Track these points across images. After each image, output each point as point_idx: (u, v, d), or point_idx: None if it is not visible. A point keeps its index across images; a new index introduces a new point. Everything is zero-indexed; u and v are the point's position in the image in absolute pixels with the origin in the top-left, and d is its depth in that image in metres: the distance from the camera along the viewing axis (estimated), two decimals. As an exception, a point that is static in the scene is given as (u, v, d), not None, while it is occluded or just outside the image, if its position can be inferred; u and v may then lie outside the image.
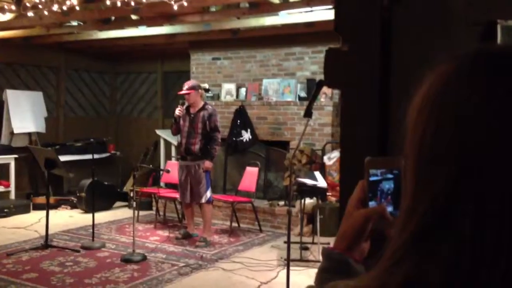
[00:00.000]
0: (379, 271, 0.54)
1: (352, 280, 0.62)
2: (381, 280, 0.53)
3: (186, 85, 5.82)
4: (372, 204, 0.79)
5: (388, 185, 0.79)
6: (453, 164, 0.51)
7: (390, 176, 0.79)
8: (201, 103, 5.83)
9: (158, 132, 8.41)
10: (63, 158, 6.91)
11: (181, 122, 5.83)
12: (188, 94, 5.73)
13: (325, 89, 6.19)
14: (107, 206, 7.83)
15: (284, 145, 7.07)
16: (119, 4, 5.29)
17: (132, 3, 5.28)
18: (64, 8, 5.65)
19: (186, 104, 5.85)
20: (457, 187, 0.51)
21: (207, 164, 5.71)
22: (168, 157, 8.12)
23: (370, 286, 0.55)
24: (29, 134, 8.35)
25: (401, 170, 0.78)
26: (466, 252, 0.49)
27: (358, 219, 0.78)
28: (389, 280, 0.52)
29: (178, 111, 5.80)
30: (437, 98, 0.54)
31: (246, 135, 7.23)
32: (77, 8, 5.66)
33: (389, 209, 0.79)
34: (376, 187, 0.79)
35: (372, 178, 0.79)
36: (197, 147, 5.71)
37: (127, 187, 8.22)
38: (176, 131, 5.94)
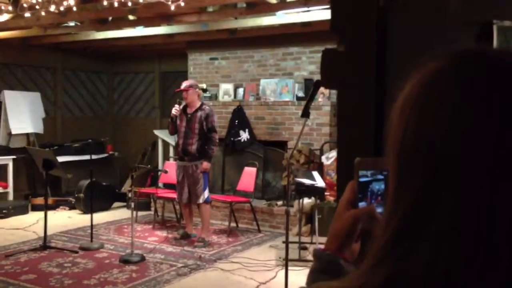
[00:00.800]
0: (362, 271, 0.55)
1: (336, 280, 0.62)
2: (362, 280, 0.54)
3: (184, 84, 5.83)
4: (362, 205, 0.79)
5: (378, 186, 0.79)
6: (431, 164, 0.51)
7: (380, 177, 0.79)
8: (198, 103, 5.83)
9: (156, 132, 8.41)
10: (61, 158, 6.91)
11: (178, 122, 5.83)
12: (186, 91, 5.73)
13: (322, 89, 6.19)
14: (106, 207, 7.82)
15: (282, 145, 7.08)
16: (116, 4, 5.29)
17: (129, 4, 5.27)
18: (61, 8, 5.64)
19: (183, 103, 5.85)
20: (435, 187, 0.51)
21: (205, 165, 5.71)
22: (166, 157, 8.12)
23: (353, 287, 0.55)
24: (27, 135, 8.34)
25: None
26: (443, 251, 0.49)
27: (348, 220, 0.79)
28: (371, 280, 0.53)
29: (174, 110, 5.80)
30: (417, 97, 0.55)
31: (244, 135, 7.23)
32: (74, 8, 5.65)
33: (379, 210, 0.79)
34: (366, 188, 0.79)
35: (362, 179, 0.79)
36: (194, 147, 5.70)
37: (126, 187, 8.21)
38: (173, 131, 5.93)
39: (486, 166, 0.49)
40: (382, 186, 0.79)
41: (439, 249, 0.50)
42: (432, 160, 0.52)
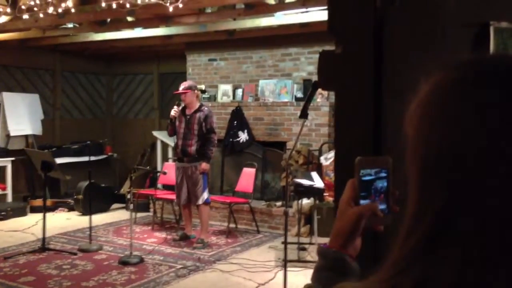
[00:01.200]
0: (387, 275, 0.56)
1: (358, 282, 0.64)
2: (390, 284, 0.55)
3: (183, 85, 5.82)
4: (365, 202, 0.81)
5: (381, 184, 0.81)
6: (457, 176, 0.53)
7: (383, 175, 0.81)
8: (197, 104, 5.83)
9: (155, 133, 8.41)
10: (60, 160, 6.90)
11: (177, 123, 5.83)
12: (184, 93, 5.73)
13: (321, 89, 6.19)
14: (105, 208, 7.82)
15: (281, 145, 7.08)
16: (114, 6, 5.29)
17: (128, 5, 5.27)
18: (60, 10, 5.64)
19: (182, 104, 5.85)
20: (461, 196, 0.53)
21: (204, 166, 5.71)
22: (165, 158, 8.12)
23: None
24: (26, 136, 8.33)
25: (390, 170, 0.81)
26: (473, 259, 0.51)
27: (351, 217, 0.80)
28: (399, 284, 0.54)
29: (173, 112, 5.80)
30: (440, 109, 0.55)
31: (243, 136, 7.23)
32: (73, 10, 5.65)
33: (382, 207, 0.81)
34: (370, 186, 0.81)
35: (366, 178, 0.81)
36: (193, 148, 5.70)
37: (124, 189, 8.20)
38: (172, 132, 5.93)
39: (509, 175, 0.51)
40: (385, 184, 0.81)
41: (468, 257, 0.51)
42: (458, 172, 0.53)
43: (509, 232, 0.50)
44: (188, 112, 5.80)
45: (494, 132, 0.52)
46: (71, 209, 7.77)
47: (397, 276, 0.55)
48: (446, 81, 0.56)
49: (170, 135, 6.11)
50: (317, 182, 5.57)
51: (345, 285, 0.66)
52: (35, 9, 5.73)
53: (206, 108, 5.84)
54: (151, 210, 7.27)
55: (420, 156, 0.56)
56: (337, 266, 0.79)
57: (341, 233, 0.81)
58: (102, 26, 6.68)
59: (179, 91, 5.80)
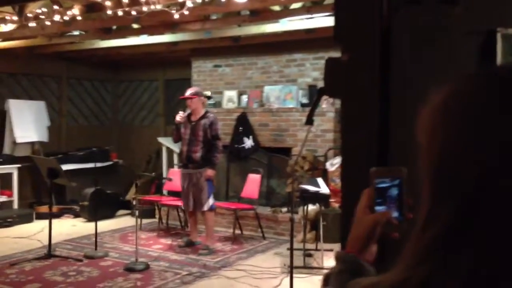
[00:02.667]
0: (402, 268, 0.60)
1: (374, 277, 0.69)
2: (404, 275, 0.59)
3: (190, 91, 5.84)
4: (381, 208, 0.86)
5: (395, 191, 0.85)
6: (471, 181, 0.56)
7: (396, 182, 0.85)
8: (203, 111, 5.84)
9: (160, 140, 8.42)
10: (65, 167, 6.92)
11: (182, 130, 5.84)
12: (191, 99, 5.74)
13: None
14: (110, 215, 7.83)
15: (287, 151, 7.07)
16: (120, 13, 5.32)
17: (133, 12, 5.30)
18: (66, 18, 5.67)
19: (188, 111, 5.85)
20: (477, 199, 0.55)
21: (209, 172, 5.71)
22: (170, 165, 8.12)
23: (394, 281, 0.60)
24: (32, 143, 8.36)
25: (403, 180, 0.83)
26: (485, 258, 0.54)
27: (368, 223, 0.85)
28: (412, 275, 0.58)
29: (179, 117, 5.81)
30: (453, 119, 0.59)
31: (248, 142, 7.23)
32: (79, 18, 5.68)
33: (396, 214, 0.85)
34: (385, 193, 0.85)
35: (381, 185, 0.85)
36: (198, 155, 5.71)
37: (130, 195, 8.21)
38: (177, 138, 5.94)
39: None
40: (399, 191, 0.85)
41: (480, 256, 0.55)
42: (471, 176, 0.56)
43: None
44: (193, 118, 5.80)
45: (505, 140, 0.54)
46: (76, 215, 7.78)
47: (411, 269, 0.58)
48: (460, 92, 0.60)
49: (175, 141, 6.11)
50: (323, 188, 5.55)
51: (361, 280, 0.70)
52: (42, 16, 5.76)
53: (211, 115, 5.85)
54: (157, 216, 7.27)
55: (433, 162, 0.60)
56: (356, 270, 0.83)
57: (358, 239, 0.85)
58: (108, 33, 6.71)
59: (185, 96, 5.82)
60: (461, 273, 0.55)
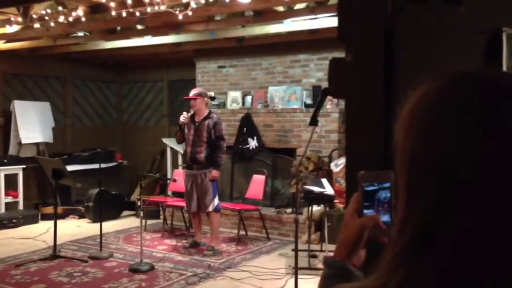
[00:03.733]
0: (381, 274, 0.60)
1: (356, 282, 0.69)
2: (382, 281, 0.59)
3: (193, 91, 5.84)
4: (369, 212, 0.84)
5: (384, 194, 0.84)
6: (440, 180, 0.56)
7: (386, 185, 0.84)
8: (206, 112, 5.84)
9: (165, 140, 8.43)
10: (70, 168, 6.94)
11: (186, 130, 5.84)
12: (195, 99, 5.74)
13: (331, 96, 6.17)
14: (115, 215, 7.84)
15: (291, 152, 7.06)
16: (124, 14, 5.32)
17: (137, 13, 5.31)
18: (70, 19, 5.69)
19: (192, 111, 5.86)
20: (444, 201, 0.56)
21: (214, 173, 5.71)
22: (175, 165, 8.13)
23: (373, 286, 0.60)
24: (37, 144, 8.39)
25: (392, 183, 0.82)
26: (456, 258, 0.55)
27: (355, 228, 0.84)
28: (389, 280, 0.58)
29: (182, 118, 5.81)
30: (423, 118, 0.59)
31: (253, 143, 7.23)
32: (83, 19, 5.70)
33: (385, 217, 0.84)
34: (373, 196, 0.84)
35: (369, 188, 0.84)
36: (202, 155, 5.71)
37: (135, 196, 8.22)
38: (181, 139, 5.94)
39: (491, 179, 0.54)
40: (388, 194, 0.84)
41: (452, 256, 0.55)
42: (440, 176, 0.57)
43: (497, 232, 0.54)
44: (197, 119, 5.81)
45: (477, 137, 0.55)
46: (81, 216, 7.80)
47: (388, 274, 0.59)
48: (432, 91, 0.60)
49: (179, 142, 6.11)
50: (327, 188, 5.54)
51: (344, 285, 0.70)
52: (46, 18, 5.78)
53: (215, 116, 5.85)
54: (161, 217, 7.27)
55: (407, 162, 0.60)
56: (342, 275, 0.82)
57: (345, 243, 0.85)
58: (112, 34, 6.73)
59: (189, 97, 5.82)
60: (432, 277, 0.55)
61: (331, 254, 0.88)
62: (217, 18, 6.18)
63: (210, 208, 5.78)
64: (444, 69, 0.60)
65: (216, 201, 5.84)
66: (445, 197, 0.56)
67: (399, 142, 0.61)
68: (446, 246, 0.55)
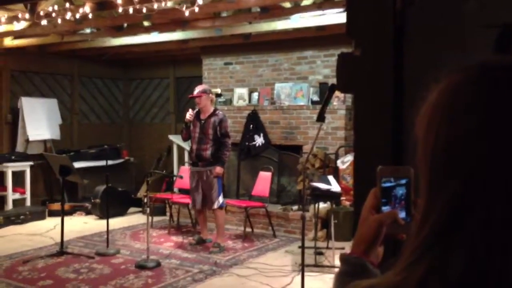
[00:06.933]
0: (400, 268, 0.59)
1: (373, 279, 0.68)
2: (402, 275, 0.58)
3: (197, 89, 5.83)
4: (386, 209, 0.83)
5: (401, 191, 0.83)
6: (462, 174, 0.56)
7: (403, 181, 0.83)
8: (212, 109, 5.84)
9: (171, 137, 8.44)
10: (77, 164, 6.96)
11: (192, 128, 5.84)
12: (199, 97, 5.74)
13: (337, 92, 6.15)
14: (121, 212, 7.86)
15: (297, 149, 7.04)
16: (131, 11, 5.33)
17: (144, 10, 5.31)
18: (77, 16, 5.70)
19: (197, 109, 5.85)
20: (466, 195, 0.55)
21: (218, 170, 5.71)
22: (181, 162, 8.14)
23: (393, 282, 0.59)
24: (44, 141, 8.43)
25: (411, 179, 0.81)
26: (478, 253, 0.54)
27: (373, 224, 0.83)
28: (410, 275, 0.57)
29: (188, 115, 5.81)
30: (445, 111, 0.58)
31: (259, 140, 7.21)
32: (90, 16, 5.70)
33: (402, 214, 0.83)
34: (390, 192, 0.83)
35: (386, 184, 0.83)
36: (208, 153, 5.71)
37: (141, 193, 8.25)
38: (187, 136, 5.94)
39: None
40: (405, 191, 0.83)
41: (474, 250, 0.54)
42: (462, 170, 0.56)
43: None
44: (202, 116, 5.80)
45: (499, 132, 0.54)
46: (88, 213, 7.83)
47: (408, 268, 0.58)
48: (454, 83, 0.59)
49: (185, 139, 6.11)
50: (334, 186, 5.52)
51: (360, 282, 0.68)
52: (53, 15, 5.79)
53: (220, 113, 5.84)
54: (168, 214, 7.29)
55: (429, 156, 0.59)
56: (359, 272, 0.81)
57: (363, 239, 0.83)
58: (119, 31, 6.73)
59: (193, 95, 5.82)
60: (453, 273, 0.54)
61: (339, 251, 0.88)
62: (224, 14, 6.17)
63: (215, 205, 5.78)
64: (462, 62, 0.60)
65: (221, 198, 5.83)
66: (467, 193, 0.55)
67: (421, 136, 0.61)
68: (471, 240, 0.54)
